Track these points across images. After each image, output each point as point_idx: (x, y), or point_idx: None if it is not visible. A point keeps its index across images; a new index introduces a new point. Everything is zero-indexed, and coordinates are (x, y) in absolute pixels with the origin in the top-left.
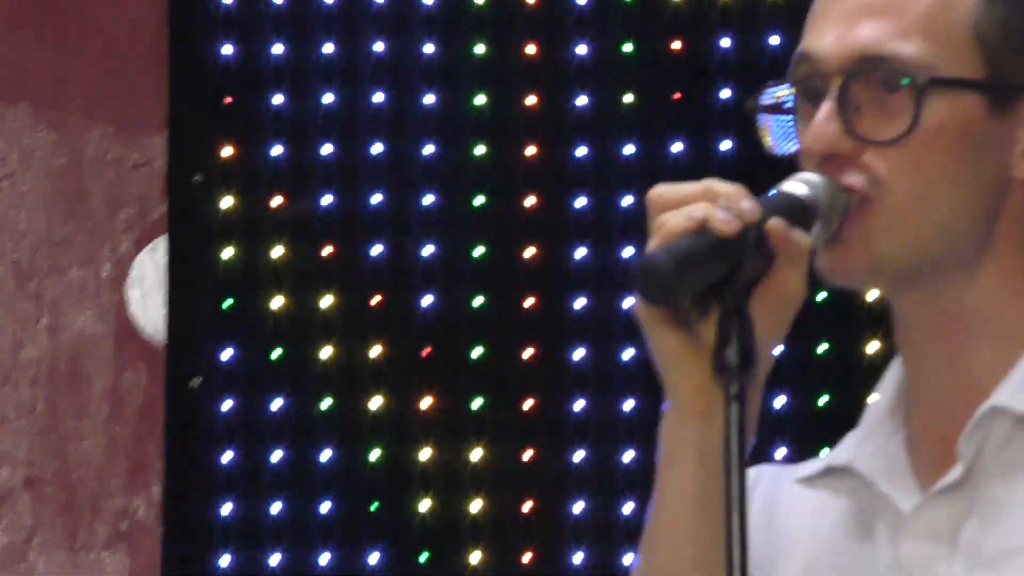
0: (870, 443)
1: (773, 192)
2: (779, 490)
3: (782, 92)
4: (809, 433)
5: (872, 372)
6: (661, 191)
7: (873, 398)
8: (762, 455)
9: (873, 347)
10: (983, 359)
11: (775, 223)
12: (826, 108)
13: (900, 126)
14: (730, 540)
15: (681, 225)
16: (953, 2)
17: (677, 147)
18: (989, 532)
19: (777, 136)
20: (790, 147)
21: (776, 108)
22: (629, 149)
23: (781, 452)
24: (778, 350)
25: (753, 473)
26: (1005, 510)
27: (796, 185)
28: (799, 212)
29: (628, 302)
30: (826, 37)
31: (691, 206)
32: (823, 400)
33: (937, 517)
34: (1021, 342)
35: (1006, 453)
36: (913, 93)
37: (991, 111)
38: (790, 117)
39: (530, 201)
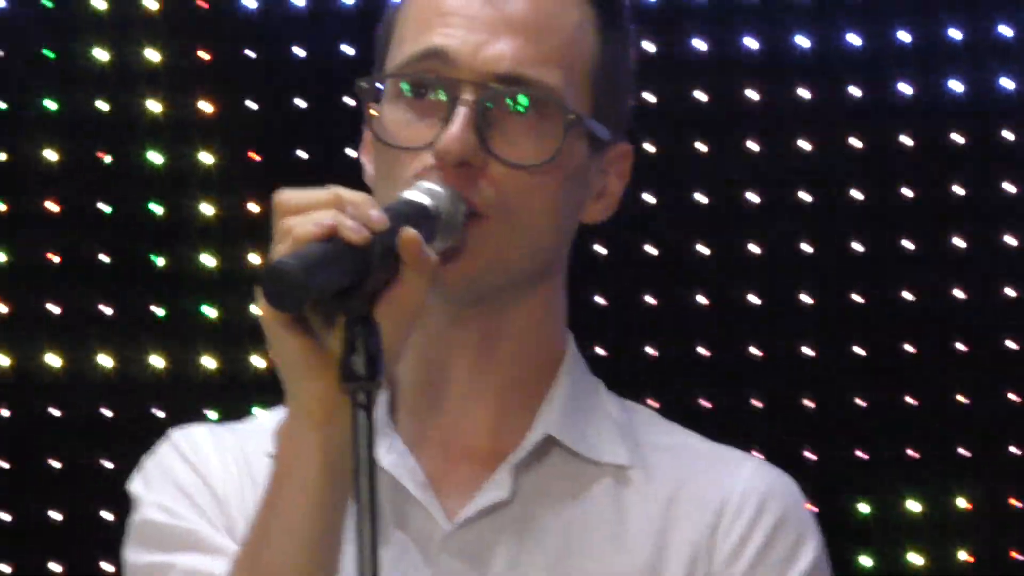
0: (379, 445)
1: (397, 201)
2: (254, 462)
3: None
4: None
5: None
6: (289, 196)
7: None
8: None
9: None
10: (518, 378)
11: (411, 234)
12: (463, 115)
13: (536, 153)
14: (361, 542)
15: (310, 232)
16: (579, 39)
17: None
18: (524, 553)
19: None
20: (398, 139)
21: (388, 95)
22: None
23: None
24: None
25: (202, 432)
26: (543, 534)
27: (419, 195)
28: (423, 222)
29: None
30: (465, 40)
31: (319, 212)
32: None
33: (477, 537)
34: (548, 367)
35: (547, 481)
36: (561, 126)
37: (590, 153)
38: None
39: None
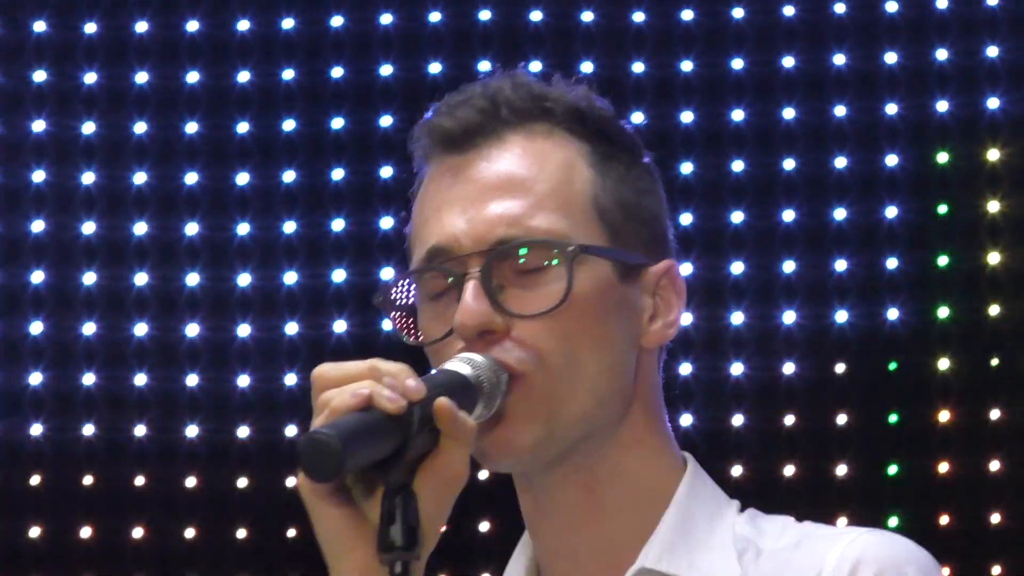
0: None
1: (436, 371)
2: None
3: (404, 286)
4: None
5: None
6: (325, 369)
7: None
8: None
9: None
10: (627, 523)
11: (443, 402)
12: (472, 287)
13: (551, 297)
14: None
15: (347, 403)
16: (571, 177)
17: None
18: None
19: (404, 328)
20: (417, 339)
21: (403, 304)
22: None
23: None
24: None
25: None
26: None
27: (459, 364)
28: (462, 391)
29: (290, 480)
30: (455, 223)
31: (356, 384)
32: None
33: None
34: (658, 503)
35: None
36: (565, 262)
37: (621, 278)
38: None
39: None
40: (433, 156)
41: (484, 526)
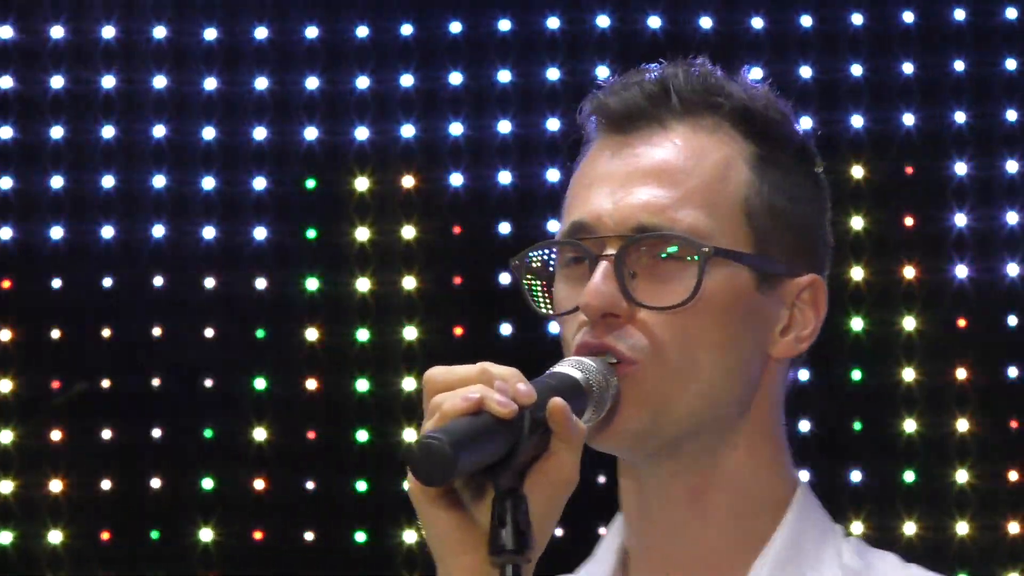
0: None
1: (546, 374)
2: None
3: (544, 254)
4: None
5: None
6: (437, 372)
7: (596, 560)
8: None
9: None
10: (732, 531)
11: (558, 403)
12: (603, 268)
13: (679, 293)
14: None
15: (458, 407)
16: (726, 176)
17: None
18: None
19: (533, 296)
20: (543, 309)
21: (541, 270)
22: None
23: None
24: None
25: None
26: None
27: (569, 368)
28: (572, 395)
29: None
30: (601, 203)
31: (467, 388)
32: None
33: None
34: (767, 516)
35: None
36: (698, 262)
37: (758, 287)
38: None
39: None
40: (597, 133)
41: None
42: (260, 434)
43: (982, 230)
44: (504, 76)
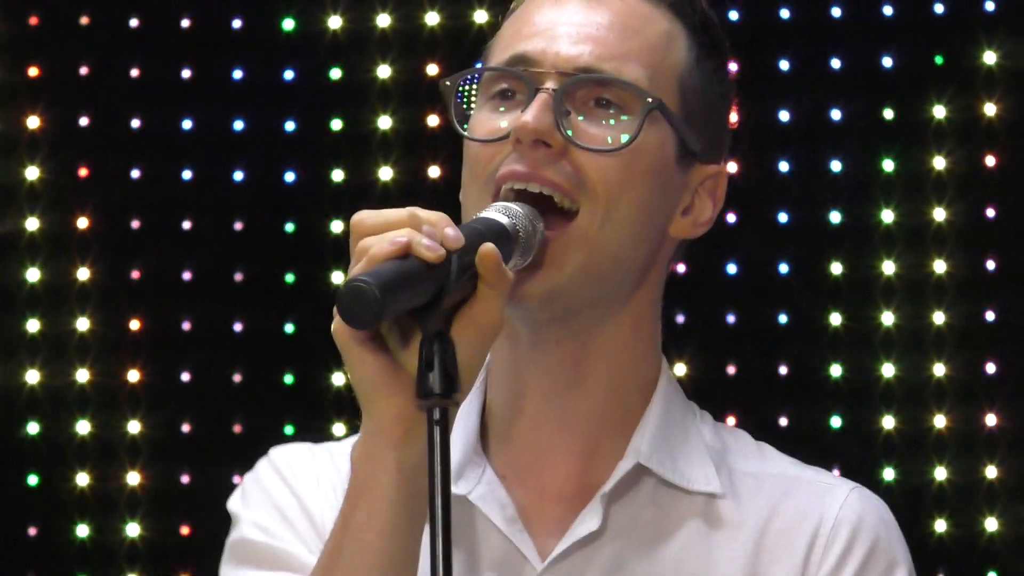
0: (470, 475)
1: (473, 220)
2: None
3: (476, 80)
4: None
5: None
6: (364, 216)
7: (457, 421)
8: None
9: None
10: (607, 403)
11: (490, 248)
12: (542, 98)
13: (614, 139)
14: (435, 564)
15: (385, 250)
16: (669, 46)
17: None
18: None
19: (460, 118)
20: (480, 135)
21: (467, 94)
22: None
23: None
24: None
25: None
26: (633, 571)
27: (497, 214)
28: (500, 240)
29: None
30: (546, 38)
31: (395, 232)
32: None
33: (572, 570)
34: (640, 392)
35: (638, 511)
36: (639, 113)
37: (678, 160)
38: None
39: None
40: None
41: None
42: (187, 276)
43: None
44: None
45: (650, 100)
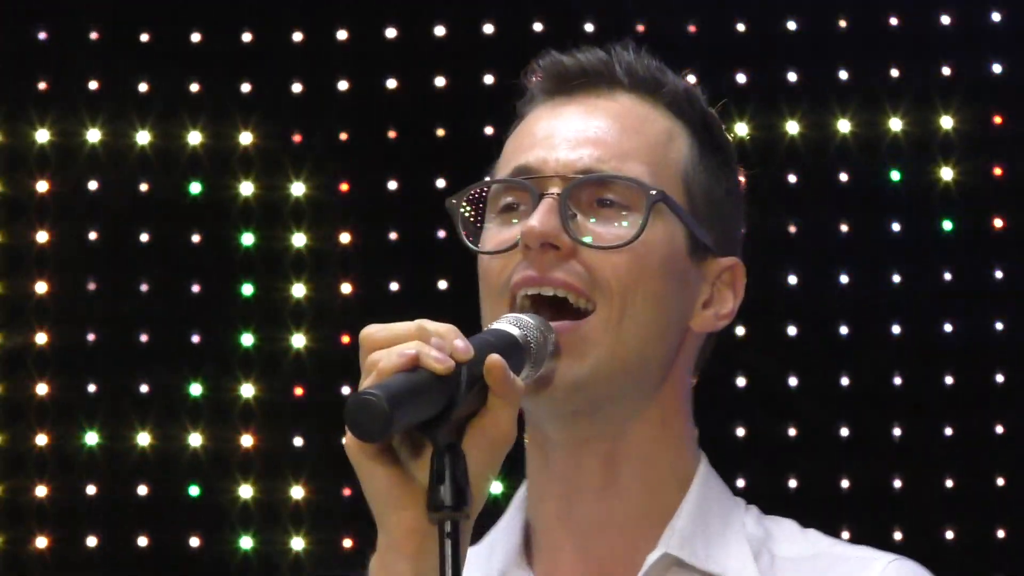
0: None
1: (484, 332)
2: None
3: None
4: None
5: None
6: (373, 330)
7: (503, 532)
8: None
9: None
10: (641, 502)
11: (496, 360)
12: (547, 203)
13: (621, 235)
14: None
15: (395, 363)
16: (669, 144)
17: None
18: None
19: (469, 235)
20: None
21: (476, 212)
22: None
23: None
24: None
25: None
26: None
27: (507, 325)
28: (510, 352)
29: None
30: (548, 150)
31: (403, 344)
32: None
33: None
34: (674, 488)
35: None
36: (644, 207)
37: (690, 253)
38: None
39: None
40: (541, 95)
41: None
42: (196, 389)
43: None
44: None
45: (653, 193)
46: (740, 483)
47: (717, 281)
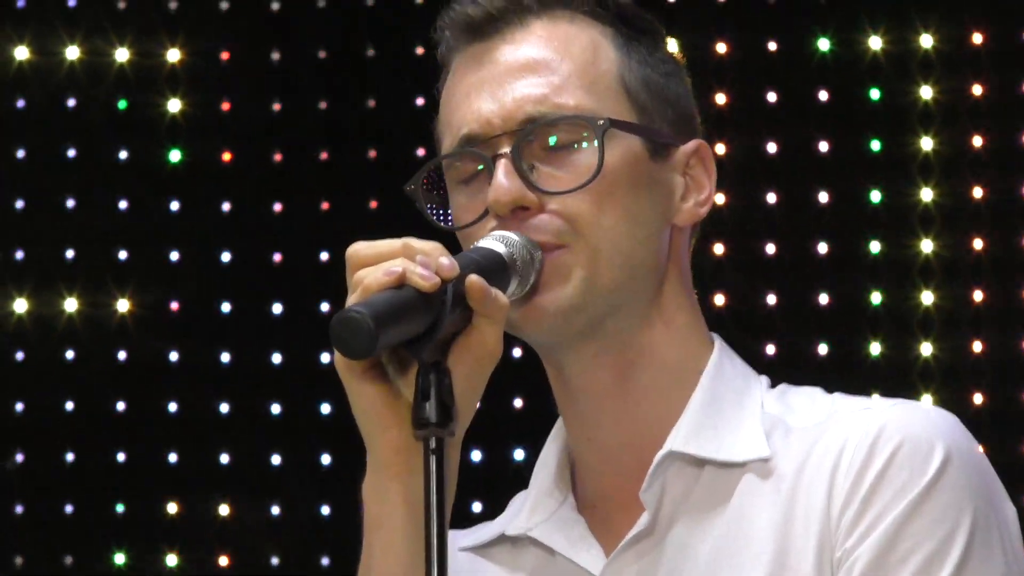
0: (542, 511)
1: (470, 249)
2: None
3: (436, 174)
4: None
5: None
6: (358, 248)
7: (539, 465)
8: None
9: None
10: (656, 405)
11: (475, 279)
12: (503, 166)
13: (582, 173)
14: None
15: (379, 281)
16: (596, 57)
17: None
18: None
19: (438, 216)
20: (451, 223)
21: (436, 189)
22: None
23: None
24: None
25: None
26: (691, 558)
27: (493, 243)
28: (496, 269)
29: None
30: (483, 107)
31: (389, 262)
32: None
33: (627, 571)
34: (688, 384)
35: (687, 498)
36: (595, 138)
37: (651, 156)
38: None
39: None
40: (458, 47)
41: (518, 403)
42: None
43: None
44: None
45: (600, 123)
46: None
47: (687, 170)
